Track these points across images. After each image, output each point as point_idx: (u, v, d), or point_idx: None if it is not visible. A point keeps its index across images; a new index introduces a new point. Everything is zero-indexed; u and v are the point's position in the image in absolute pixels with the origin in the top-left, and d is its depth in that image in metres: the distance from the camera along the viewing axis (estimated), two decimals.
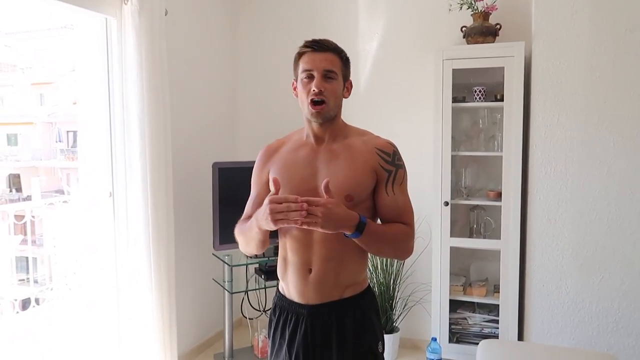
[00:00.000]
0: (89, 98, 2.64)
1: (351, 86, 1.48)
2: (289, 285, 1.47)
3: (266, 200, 1.28)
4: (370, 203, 1.44)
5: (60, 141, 13.93)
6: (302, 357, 1.44)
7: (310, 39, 1.43)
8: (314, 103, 1.37)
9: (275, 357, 1.52)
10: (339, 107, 1.44)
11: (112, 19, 2.52)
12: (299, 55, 1.42)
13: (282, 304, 1.50)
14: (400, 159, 1.45)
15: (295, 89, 1.45)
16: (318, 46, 1.39)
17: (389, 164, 1.42)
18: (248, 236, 1.44)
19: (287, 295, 1.49)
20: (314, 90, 1.37)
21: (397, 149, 1.46)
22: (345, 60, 1.44)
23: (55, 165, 13.35)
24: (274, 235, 1.45)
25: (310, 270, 1.42)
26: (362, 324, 1.45)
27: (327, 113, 1.40)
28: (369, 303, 1.49)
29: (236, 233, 1.52)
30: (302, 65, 1.40)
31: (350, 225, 1.31)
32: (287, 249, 1.46)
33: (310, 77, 1.38)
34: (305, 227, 1.26)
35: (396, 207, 1.43)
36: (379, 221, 1.49)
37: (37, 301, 4.42)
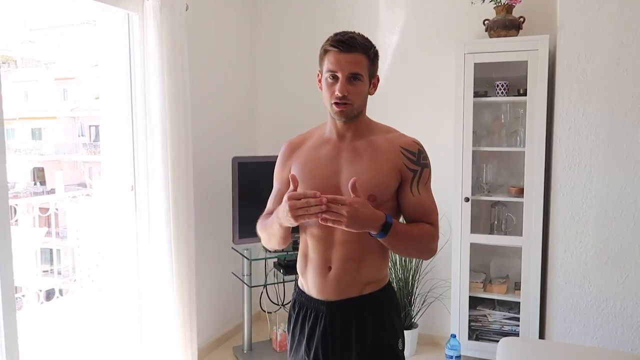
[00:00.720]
0: (111, 93, 2.68)
1: (378, 81, 1.44)
2: (308, 282, 1.47)
3: (285, 197, 1.28)
4: (393, 203, 1.42)
5: (82, 135, 14.17)
6: (321, 353, 1.44)
7: (337, 34, 1.37)
8: (337, 103, 1.35)
9: (295, 352, 1.52)
10: (363, 105, 1.41)
11: (134, 14, 2.54)
12: (325, 51, 1.37)
13: (302, 300, 1.50)
14: (425, 157, 1.42)
15: (320, 80, 1.41)
16: (344, 46, 1.33)
17: (414, 164, 1.39)
18: (270, 232, 1.45)
19: (307, 291, 1.49)
20: (337, 95, 1.33)
21: (422, 147, 1.43)
22: (372, 58, 1.38)
23: (78, 159, 13.59)
24: (294, 230, 1.45)
25: (330, 268, 1.42)
26: (382, 320, 1.44)
27: (351, 112, 1.37)
28: (388, 300, 1.48)
29: (258, 228, 1.52)
30: (327, 64, 1.36)
31: (376, 225, 1.29)
32: (308, 246, 1.46)
33: (335, 78, 1.34)
34: (330, 225, 1.26)
35: (421, 207, 1.41)
36: (402, 220, 1.47)
37: (60, 292, 4.51)
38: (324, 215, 1.24)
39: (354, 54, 1.34)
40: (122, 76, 2.62)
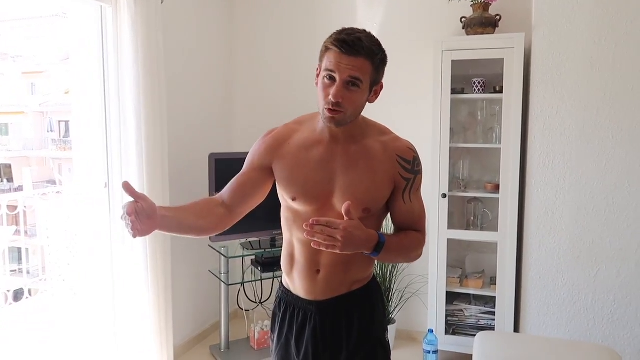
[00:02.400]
0: (83, 88, 2.61)
1: (381, 89, 1.33)
2: (295, 283, 1.44)
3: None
4: (384, 210, 1.40)
5: (51, 131, 13.80)
6: (311, 352, 1.41)
7: (342, 31, 1.24)
8: (329, 110, 1.25)
9: (283, 351, 1.48)
10: (358, 114, 1.32)
11: (107, 6, 2.47)
12: (326, 48, 1.25)
13: (288, 299, 1.47)
14: (419, 164, 1.38)
15: (317, 75, 1.29)
16: (347, 48, 1.20)
17: (408, 172, 1.35)
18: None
19: (293, 291, 1.45)
20: (331, 100, 1.22)
21: (417, 153, 1.38)
22: (378, 64, 1.26)
23: (47, 155, 13.24)
24: (276, 227, 1.41)
25: (318, 271, 1.39)
26: (371, 315, 1.44)
27: (343, 120, 1.27)
28: (375, 293, 1.48)
29: None
30: (326, 62, 1.24)
31: (369, 246, 1.26)
32: (295, 249, 1.42)
33: (332, 79, 1.23)
34: (323, 249, 1.21)
35: (412, 214, 1.39)
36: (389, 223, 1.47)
37: (29, 292, 4.38)
38: (316, 240, 1.19)
39: (357, 58, 1.21)
40: (95, 70, 2.54)
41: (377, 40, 1.28)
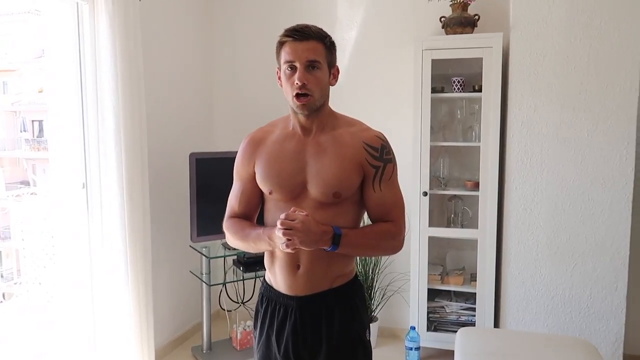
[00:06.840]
0: (59, 86, 2.54)
1: (338, 72, 1.42)
2: (277, 278, 1.45)
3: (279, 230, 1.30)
4: (357, 198, 1.42)
5: (24, 131, 13.46)
6: (291, 347, 1.43)
7: (290, 26, 1.36)
8: (298, 96, 1.32)
9: (263, 347, 1.50)
10: (325, 96, 1.39)
11: (83, 3, 2.43)
12: (280, 44, 1.35)
13: (270, 295, 1.48)
14: (389, 152, 1.41)
15: (279, 77, 1.39)
16: (299, 35, 1.32)
17: (376, 160, 1.38)
18: (249, 245, 1.44)
19: (275, 287, 1.47)
20: (297, 84, 1.30)
21: (386, 142, 1.42)
22: (329, 46, 1.37)
23: (20, 155, 12.91)
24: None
25: (298, 267, 1.41)
26: (351, 312, 1.45)
27: (313, 104, 1.35)
28: (356, 292, 1.49)
29: (230, 231, 1.48)
30: (284, 56, 1.34)
31: (326, 238, 1.31)
32: None
33: (293, 69, 1.32)
34: (290, 250, 1.28)
35: (383, 204, 1.41)
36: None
37: (4, 296, 4.28)
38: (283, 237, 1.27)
39: (310, 42, 1.32)
40: (71, 69, 2.49)
41: (322, 29, 1.38)
